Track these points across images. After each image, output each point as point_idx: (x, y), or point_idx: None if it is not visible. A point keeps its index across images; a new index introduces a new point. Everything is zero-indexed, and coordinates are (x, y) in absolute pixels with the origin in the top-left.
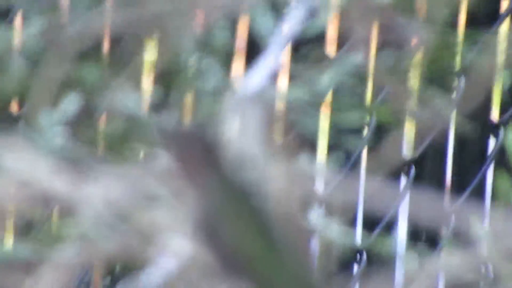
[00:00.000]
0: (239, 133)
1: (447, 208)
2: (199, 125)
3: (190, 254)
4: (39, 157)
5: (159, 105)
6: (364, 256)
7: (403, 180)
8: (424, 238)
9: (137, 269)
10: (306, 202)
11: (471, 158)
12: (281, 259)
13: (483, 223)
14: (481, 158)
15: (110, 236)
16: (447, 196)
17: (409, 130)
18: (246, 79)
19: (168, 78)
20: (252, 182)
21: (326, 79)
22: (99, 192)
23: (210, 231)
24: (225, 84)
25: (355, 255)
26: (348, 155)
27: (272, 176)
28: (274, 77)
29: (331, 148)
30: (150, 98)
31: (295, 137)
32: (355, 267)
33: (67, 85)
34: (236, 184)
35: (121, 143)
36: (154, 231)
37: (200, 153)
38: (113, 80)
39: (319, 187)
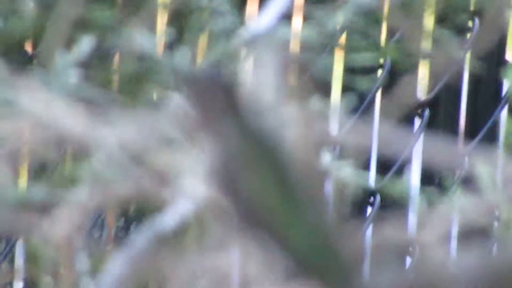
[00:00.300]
0: (254, 75)
1: (460, 151)
2: (215, 68)
3: (205, 198)
4: (53, 98)
5: (173, 45)
6: (378, 199)
7: (417, 122)
8: (437, 181)
9: (152, 211)
10: (321, 144)
11: (485, 99)
12: (298, 207)
13: (496, 166)
14: (496, 99)
15: (124, 178)
16: (460, 139)
17: (423, 71)
18: (257, 19)
19: (182, 18)
20: (269, 126)
21: (339, 18)
22: (113, 134)
23: (227, 178)
24: (238, 25)
25: (369, 198)
26: (362, 96)
27: (287, 120)
28: (288, 17)
29: (345, 89)
30: (164, 39)
31: (309, 79)
32: (368, 210)
33: (81, 26)
34: (253, 129)
35: (135, 84)
36: (169, 174)
37: (217, 97)
38: (127, 20)
39: (333, 129)
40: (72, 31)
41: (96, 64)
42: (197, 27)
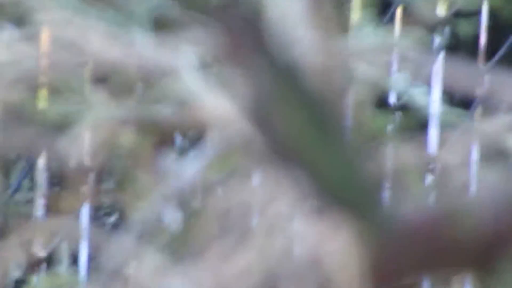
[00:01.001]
0: (283, 6)
1: (480, 70)
2: (247, 5)
3: (238, 132)
4: (134, 20)
5: None
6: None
7: (437, 40)
8: (458, 101)
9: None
10: (345, 72)
11: (506, 16)
12: (330, 143)
13: None
14: None
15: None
16: (481, 58)
17: None
18: None
19: None
20: (298, 61)
21: None
22: (190, 56)
23: (260, 116)
24: None
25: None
26: (384, 9)
27: (314, 51)
28: None
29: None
30: None
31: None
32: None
33: None
34: (283, 64)
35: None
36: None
37: (247, 33)
38: None
39: (354, 47)
40: None
41: None
42: None
